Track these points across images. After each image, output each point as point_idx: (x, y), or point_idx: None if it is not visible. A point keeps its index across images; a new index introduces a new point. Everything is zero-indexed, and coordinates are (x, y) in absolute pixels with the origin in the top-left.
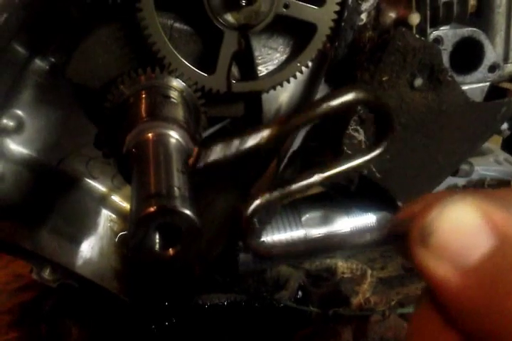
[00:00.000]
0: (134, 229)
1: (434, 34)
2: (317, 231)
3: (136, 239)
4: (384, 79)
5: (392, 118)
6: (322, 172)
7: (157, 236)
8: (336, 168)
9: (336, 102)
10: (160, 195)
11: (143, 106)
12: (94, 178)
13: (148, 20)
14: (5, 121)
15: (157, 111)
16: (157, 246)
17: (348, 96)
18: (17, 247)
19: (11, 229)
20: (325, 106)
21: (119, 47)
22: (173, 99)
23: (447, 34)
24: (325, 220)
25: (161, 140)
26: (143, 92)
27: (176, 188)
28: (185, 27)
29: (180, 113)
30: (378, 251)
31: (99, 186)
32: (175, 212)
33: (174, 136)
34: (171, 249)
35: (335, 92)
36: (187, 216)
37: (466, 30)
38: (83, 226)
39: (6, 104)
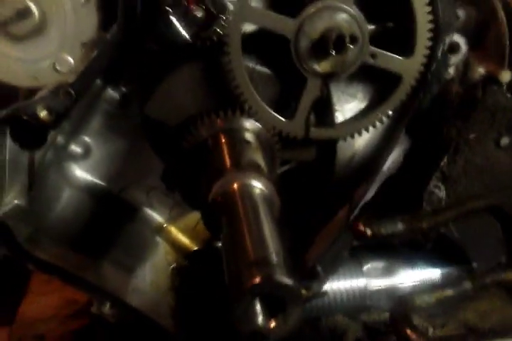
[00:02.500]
0: (238, 300)
1: None
2: (378, 282)
3: (239, 310)
4: (471, 136)
5: None
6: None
7: (259, 307)
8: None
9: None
10: (261, 263)
11: (226, 153)
12: (153, 208)
13: (234, 64)
14: (73, 147)
15: (241, 160)
16: (260, 317)
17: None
18: (80, 279)
19: (75, 259)
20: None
21: (200, 87)
22: (253, 144)
23: None
24: (387, 271)
25: (248, 191)
26: (222, 136)
27: (274, 254)
28: (267, 70)
29: (261, 160)
30: (441, 307)
31: (157, 216)
32: (279, 283)
33: (258, 186)
34: (273, 320)
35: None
36: (291, 286)
37: None
38: (140, 258)
39: (76, 130)
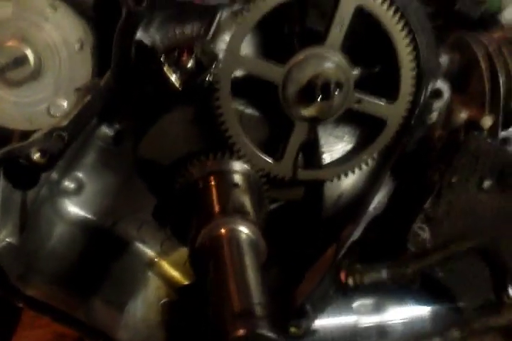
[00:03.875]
0: None
1: (503, 134)
2: (368, 320)
3: None
4: (453, 180)
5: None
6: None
7: None
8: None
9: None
10: (246, 314)
11: (215, 197)
12: (144, 242)
13: (224, 109)
14: (66, 183)
15: (229, 204)
16: None
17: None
18: (71, 317)
19: (65, 297)
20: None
21: (191, 129)
22: (241, 187)
23: None
24: (377, 308)
25: (235, 236)
26: (212, 178)
27: (258, 306)
28: (256, 113)
29: (248, 203)
30: None
31: (148, 250)
32: (262, 337)
33: (245, 231)
34: None
35: None
36: (273, 339)
37: None
38: (131, 293)
39: (70, 166)
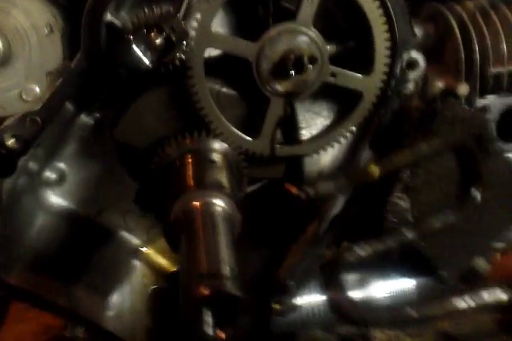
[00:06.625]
0: (186, 308)
1: (480, 103)
2: (353, 295)
3: (187, 318)
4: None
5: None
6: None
7: (209, 317)
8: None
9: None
10: (212, 275)
11: (190, 173)
12: (129, 231)
13: (197, 87)
14: (48, 173)
15: (204, 179)
16: (209, 327)
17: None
18: (52, 304)
19: (47, 284)
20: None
21: (167, 110)
22: (218, 164)
23: (494, 103)
24: (361, 283)
25: (209, 209)
26: (189, 156)
27: (226, 267)
28: (232, 92)
29: (225, 179)
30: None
31: (134, 239)
32: (227, 294)
33: (220, 204)
34: (222, 332)
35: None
36: (239, 298)
37: None
38: (116, 281)
39: (50, 157)
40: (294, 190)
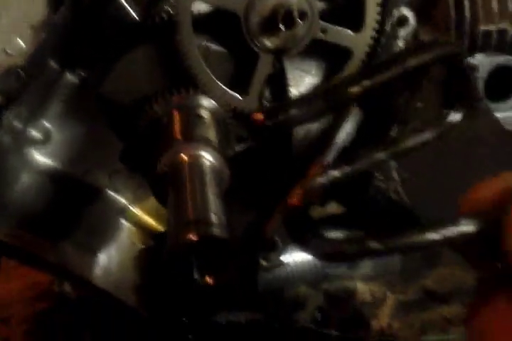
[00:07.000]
0: (172, 254)
1: (469, 61)
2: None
3: (174, 265)
4: (418, 106)
5: (472, 82)
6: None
7: (195, 263)
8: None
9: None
10: (199, 221)
11: (177, 128)
12: (116, 191)
13: (185, 43)
14: (33, 132)
15: (192, 133)
16: (195, 273)
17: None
18: (40, 260)
19: (34, 241)
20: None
21: (154, 67)
22: (205, 120)
23: (483, 62)
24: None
25: (196, 162)
26: (176, 112)
27: (213, 214)
28: (220, 48)
29: (213, 134)
30: (398, 273)
31: (121, 198)
32: (216, 239)
33: (208, 158)
34: (209, 278)
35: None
36: (227, 243)
37: (503, 58)
38: (104, 239)
39: (35, 116)
40: (259, 116)
